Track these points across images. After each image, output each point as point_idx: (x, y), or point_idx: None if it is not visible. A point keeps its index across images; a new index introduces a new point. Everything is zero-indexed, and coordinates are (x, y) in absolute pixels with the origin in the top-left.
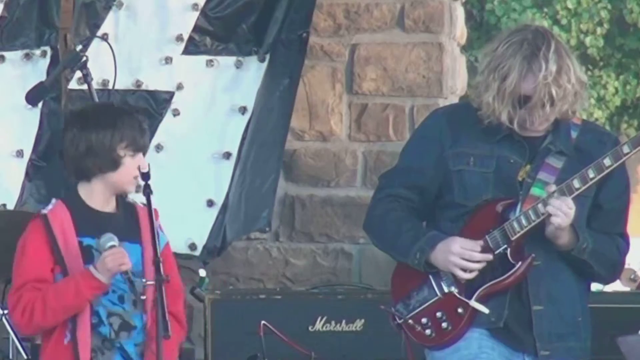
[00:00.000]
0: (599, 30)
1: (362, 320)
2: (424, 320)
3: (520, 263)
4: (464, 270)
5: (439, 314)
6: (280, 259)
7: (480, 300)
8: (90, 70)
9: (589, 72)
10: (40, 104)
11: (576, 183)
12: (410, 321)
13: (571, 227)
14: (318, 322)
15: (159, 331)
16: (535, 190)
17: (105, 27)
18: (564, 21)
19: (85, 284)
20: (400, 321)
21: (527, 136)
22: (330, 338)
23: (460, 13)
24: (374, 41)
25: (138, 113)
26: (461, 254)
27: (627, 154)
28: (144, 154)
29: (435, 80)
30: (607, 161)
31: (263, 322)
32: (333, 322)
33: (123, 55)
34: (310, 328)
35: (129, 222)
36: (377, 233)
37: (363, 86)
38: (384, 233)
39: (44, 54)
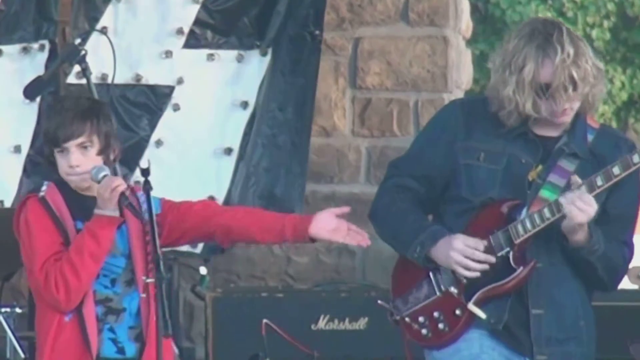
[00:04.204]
0: (605, 23)
1: (366, 319)
2: (421, 319)
3: (521, 268)
4: (465, 268)
5: (436, 314)
6: (283, 256)
7: (479, 303)
8: (89, 64)
9: None
10: (38, 99)
11: (599, 180)
12: (407, 319)
13: (587, 225)
14: (321, 320)
15: (159, 330)
16: (544, 193)
17: (105, 20)
18: (570, 14)
19: (96, 225)
20: (397, 317)
21: (542, 136)
22: (333, 337)
23: (465, 6)
24: (378, 35)
25: (70, 100)
26: (463, 251)
27: None
28: (93, 147)
29: (440, 75)
30: (615, 169)
31: (265, 320)
32: (336, 321)
33: (122, 49)
34: (313, 326)
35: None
36: (381, 222)
37: (367, 80)
38: (387, 223)
39: (42, 47)
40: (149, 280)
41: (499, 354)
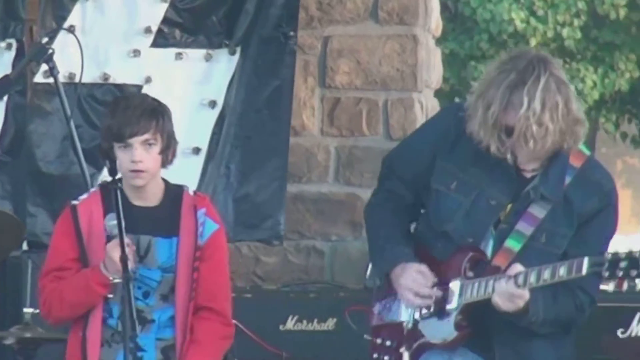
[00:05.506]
0: (575, 21)
1: (335, 320)
2: (378, 340)
3: (456, 334)
4: (409, 303)
5: (388, 343)
6: (251, 256)
7: (418, 351)
8: (56, 63)
9: (567, 65)
10: (5, 98)
11: (532, 277)
12: (366, 336)
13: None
14: (289, 321)
15: (125, 330)
16: (510, 242)
17: (72, 19)
18: (540, 12)
19: (94, 280)
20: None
21: (521, 168)
22: (301, 337)
23: (435, 4)
24: (347, 33)
25: (137, 98)
26: (406, 286)
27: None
28: (150, 144)
29: (410, 74)
30: (562, 270)
31: (233, 321)
32: (305, 321)
33: (90, 47)
34: (281, 327)
35: (168, 214)
36: (365, 228)
37: (336, 79)
38: (367, 232)
39: (9, 46)
40: (116, 280)
41: (472, 359)
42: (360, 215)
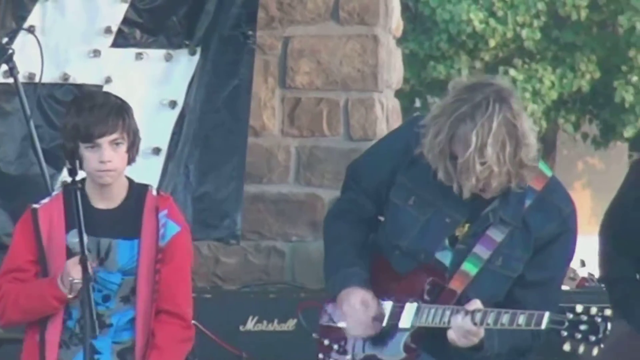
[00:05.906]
0: (535, 22)
1: (295, 320)
2: (326, 341)
3: (404, 355)
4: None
5: (335, 347)
6: (211, 256)
7: None
8: (16, 63)
9: (526, 65)
10: None
11: (490, 318)
12: (314, 335)
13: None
14: (249, 321)
15: (86, 331)
16: (466, 266)
17: (32, 19)
18: (500, 13)
19: (49, 292)
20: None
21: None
22: (261, 338)
23: (396, 5)
24: (308, 34)
25: (100, 97)
26: (346, 312)
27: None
28: (117, 143)
29: (370, 74)
30: (521, 319)
31: (193, 321)
32: (265, 322)
33: (50, 48)
34: (241, 328)
35: (130, 215)
36: (323, 239)
37: (296, 80)
38: (325, 244)
39: None
40: (76, 281)
41: None
42: (321, 216)
